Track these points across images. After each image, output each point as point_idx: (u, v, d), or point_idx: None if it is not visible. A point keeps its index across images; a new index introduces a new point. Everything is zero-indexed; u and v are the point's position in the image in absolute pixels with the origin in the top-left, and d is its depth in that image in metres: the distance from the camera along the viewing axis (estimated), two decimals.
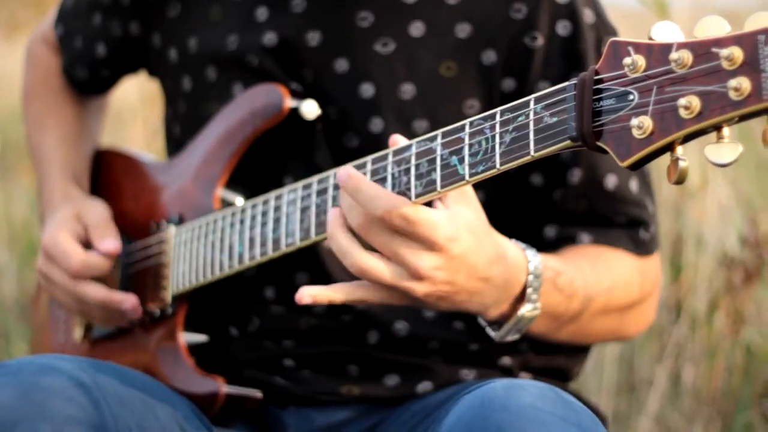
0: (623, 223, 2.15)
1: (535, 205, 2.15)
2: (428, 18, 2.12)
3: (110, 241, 2.22)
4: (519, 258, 1.92)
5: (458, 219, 1.81)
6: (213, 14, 2.25)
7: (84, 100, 2.58)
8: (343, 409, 2.17)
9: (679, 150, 1.56)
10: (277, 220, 2.03)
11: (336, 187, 1.94)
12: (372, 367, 2.16)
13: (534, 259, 1.93)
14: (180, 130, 2.33)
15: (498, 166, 1.71)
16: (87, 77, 2.51)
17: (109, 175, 2.49)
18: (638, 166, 1.58)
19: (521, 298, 1.93)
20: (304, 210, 1.98)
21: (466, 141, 1.75)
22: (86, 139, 2.54)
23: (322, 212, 1.96)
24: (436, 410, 2.02)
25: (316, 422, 2.18)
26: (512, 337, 1.97)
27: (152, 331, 2.24)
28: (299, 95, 2.14)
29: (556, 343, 2.17)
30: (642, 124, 1.55)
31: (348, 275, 2.08)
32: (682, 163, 1.55)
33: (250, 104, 2.16)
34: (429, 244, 1.79)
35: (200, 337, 2.20)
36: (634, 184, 2.15)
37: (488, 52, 2.11)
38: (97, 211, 2.29)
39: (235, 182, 2.19)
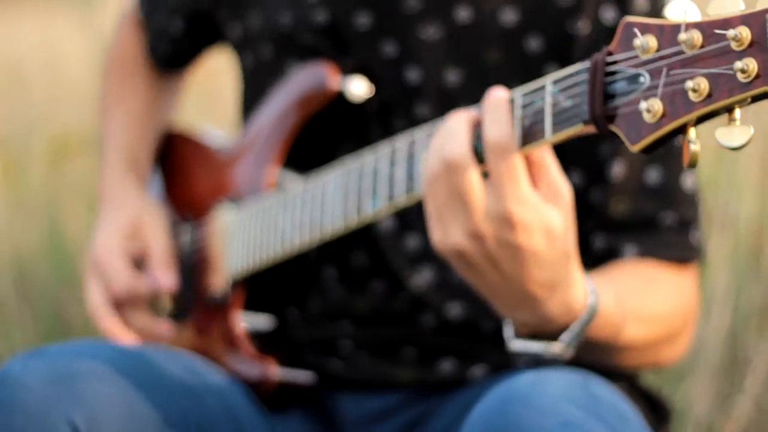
0: (672, 225, 2.06)
1: (578, 209, 1.97)
2: (475, 3, 2.08)
3: (170, 278, 2.28)
4: (577, 301, 1.77)
5: (540, 214, 1.68)
6: None
7: (162, 80, 2.61)
8: (398, 393, 2.16)
9: (692, 133, 1.51)
10: (321, 203, 2.03)
11: (374, 170, 1.93)
12: (427, 351, 2.15)
13: (590, 306, 1.78)
14: (245, 107, 2.35)
15: (518, 148, 1.68)
16: (169, 52, 2.53)
17: (176, 155, 2.52)
18: (650, 150, 1.53)
19: (554, 335, 1.80)
20: (346, 193, 1.98)
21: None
22: (154, 123, 2.57)
23: (361, 196, 1.95)
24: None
25: (371, 406, 2.17)
26: (526, 354, 1.85)
27: (214, 314, 2.26)
28: (351, 72, 2.14)
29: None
30: (652, 107, 1.50)
31: (405, 260, 2.09)
32: (693, 147, 1.49)
33: (300, 85, 2.16)
34: (503, 211, 1.67)
35: (260, 320, 2.22)
36: (689, 179, 2.06)
37: (533, 39, 2.06)
38: (159, 238, 2.33)
39: (292, 163, 2.20)
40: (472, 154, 1.70)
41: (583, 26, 2.04)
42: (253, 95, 2.31)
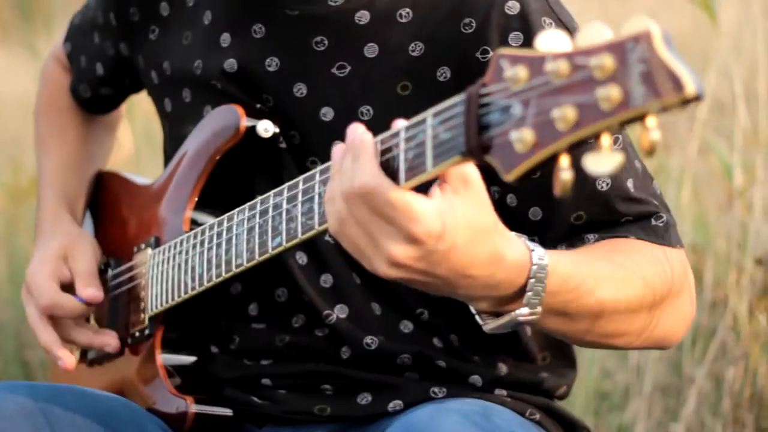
0: (631, 221, 2.03)
1: (520, 229, 1.96)
2: (381, 38, 2.09)
3: (92, 291, 2.30)
4: (522, 260, 1.77)
5: (449, 213, 1.67)
6: (185, 38, 2.28)
7: (91, 121, 2.63)
8: (319, 427, 2.17)
9: (564, 161, 1.52)
10: (228, 241, 2.06)
11: (275, 207, 1.95)
12: (345, 385, 2.16)
13: (539, 261, 1.78)
14: (168, 150, 2.38)
15: (402, 182, 1.69)
16: (89, 96, 2.56)
17: (106, 197, 2.55)
18: (524, 180, 1.55)
19: (518, 298, 1.79)
20: (250, 230, 2.00)
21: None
22: (88, 162, 2.59)
23: (264, 233, 1.98)
24: None
25: None
26: (504, 331, 1.85)
27: (135, 352, 2.28)
28: (263, 114, 2.16)
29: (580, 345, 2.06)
30: (523, 137, 1.52)
31: (322, 295, 2.10)
32: (564, 175, 1.52)
33: (212, 125, 2.19)
34: (406, 235, 1.67)
35: (180, 358, 2.23)
36: (630, 183, 2.04)
37: (442, 69, 2.07)
38: (85, 260, 2.35)
39: (208, 203, 2.22)
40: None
41: (489, 53, 2.04)
42: (174, 137, 2.33)
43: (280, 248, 1.94)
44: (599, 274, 1.89)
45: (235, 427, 2.21)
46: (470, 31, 2.05)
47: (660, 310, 1.97)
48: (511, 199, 2.06)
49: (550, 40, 1.53)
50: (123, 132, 5.29)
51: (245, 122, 2.14)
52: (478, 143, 1.58)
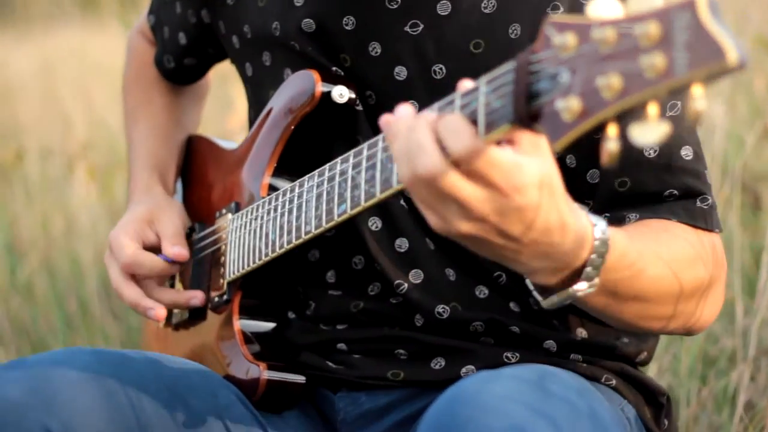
0: (677, 196, 2.02)
1: (579, 191, 2.00)
2: None
3: (178, 249, 2.31)
4: (585, 232, 1.75)
5: (527, 168, 1.64)
6: (259, 0, 2.29)
7: (178, 91, 2.66)
8: (392, 392, 2.18)
9: (611, 130, 1.50)
10: (299, 207, 2.06)
11: (341, 174, 1.95)
12: (419, 350, 2.16)
13: (602, 235, 1.76)
14: (251, 115, 2.39)
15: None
16: (173, 66, 2.59)
17: (195, 161, 2.57)
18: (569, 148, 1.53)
19: (578, 273, 1.77)
20: (318, 197, 2.01)
21: None
22: (177, 129, 2.62)
23: (331, 200, 1.98)
24: None
25: (366, 406, 2.19)
26: (559, 306, 1.82)
27: (215, 317, 2.31)
28: (339, 78, 2.16)
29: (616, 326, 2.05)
30: (570, 105, 1.50)
31: (396, 261, 2.10)
32: (611, 145, 1.49)
33: (289, 91, 2.20)
34: (491, 185, 1.63)
35: (258, 324, 2.25)
36: (686, 151, 2.03)
37: (513, 26, 2.06)
38: (171, 223, 2.37)
39: (287, 168, 2.23)
40: (446, 161, 1.64)
41: (560, 9, 2.02)
42: (256, 102, 2.35)
43: (345, 215, 1.94)
44: (649, 255, 1.87)
45: (310, 392, 2.23)
46: None
47: (697, 299, 1.97)
48: (570, 160, 2.05)
49: (601, 6, 1.50)
50: (239, 96, 5.35)
51: (321, 87, 2.14)
52: (526, 112, 1.56)
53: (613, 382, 2.15)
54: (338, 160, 1.97)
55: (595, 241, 1.75)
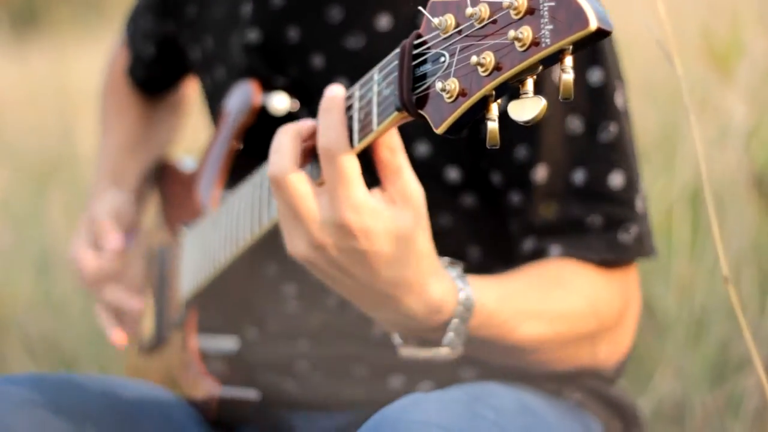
0: (599, 225, 1.95)
1: (506, 212, 1.98)
2: (393, 9, 2.03)
3: (112, 239, 2.32)
4: (446, 298, 1.72)
5: (383, 217, 1.63)
6: (216, 13, 2.26)
7: (152, 102, 2.65)
8: (350, 413, 2.12)
9: (494, 109, 1.45)
10: (237, 217, 2.03)
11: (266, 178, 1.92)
12: (376, 368, 2.10)
13: (466, 302, 1.74)
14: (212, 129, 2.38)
15: (356, 144, 1.64)
16: (144, 76, 2.58)
17: (165, 186, 2.56)
18: (454, 132, 1.48)
19: (439, 337, 1.76)
20: (249, 205, 1.97)
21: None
22: (147, 142, 2.60)
23: (263, 205, 1.94)
24: None
25: (323, 425, 2.14)
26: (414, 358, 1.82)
27: (177, 336, 2.27)
28: (282, 89, 2.14)
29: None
30: (448, 86, 1.44)
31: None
32: (490, 124, 1.44)
33: (233, 104, 2.17)
34: (339, 221, 1.63)
35: (216, 341, 2.21)
36: (617, 179, 1.95)
37: None
38: (100, 206, 2.38)
39: (238, 179, 2.21)
40: (296, 167, 1.66)
41: None
42: (213, 116, 2.33)
43: (275, 219, 1.90)
44: (527, 312, 1.84)
45: (266, 411, 2.17)
46: None
47: (589, 346, 1.93)
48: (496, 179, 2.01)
49: None
50: None
51: (258, 99, 2.12)
52: (410, 97, 1.51)
53: (578, 396, 2.07)
54: (265, 165, 1.94)
55: (458, 306, 1.73)
